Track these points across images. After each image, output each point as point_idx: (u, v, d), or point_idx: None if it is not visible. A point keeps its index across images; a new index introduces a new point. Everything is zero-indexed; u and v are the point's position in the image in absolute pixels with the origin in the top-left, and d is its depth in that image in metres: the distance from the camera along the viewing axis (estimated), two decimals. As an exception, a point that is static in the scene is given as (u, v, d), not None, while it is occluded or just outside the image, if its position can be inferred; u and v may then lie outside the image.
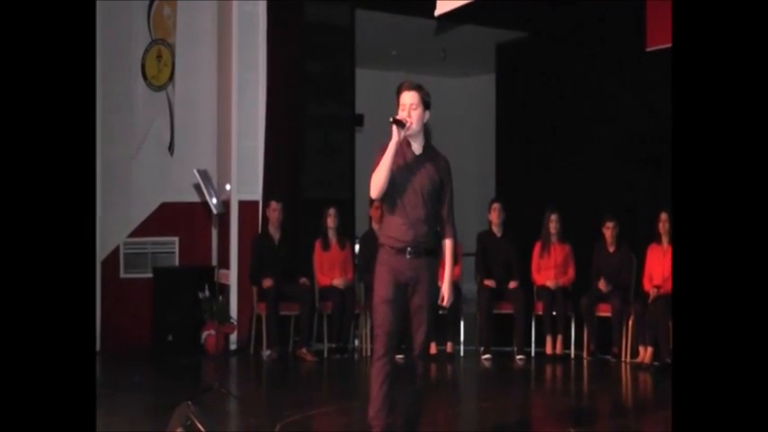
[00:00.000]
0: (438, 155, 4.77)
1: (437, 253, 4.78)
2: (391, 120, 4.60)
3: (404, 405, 4.77)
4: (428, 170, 4.66)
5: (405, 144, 4.68)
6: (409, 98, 4.65)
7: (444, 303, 4.75)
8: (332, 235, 8.79)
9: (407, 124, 4.59)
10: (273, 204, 8.71)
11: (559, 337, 8.51)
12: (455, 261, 8.56)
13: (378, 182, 4.60)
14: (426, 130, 4.76)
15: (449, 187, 4.73)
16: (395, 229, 4.66)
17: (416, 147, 4.71)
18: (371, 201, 8.59)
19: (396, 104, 4.70)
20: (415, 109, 4.63)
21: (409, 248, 4.62)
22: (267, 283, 8.47)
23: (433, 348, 8.42)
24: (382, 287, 4.67)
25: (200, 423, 4.56)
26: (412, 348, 4.79)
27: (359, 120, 10.76)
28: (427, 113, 4.69)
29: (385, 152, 4.59)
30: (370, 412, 4.63)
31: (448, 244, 4.79)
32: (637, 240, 8.64)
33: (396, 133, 4.58)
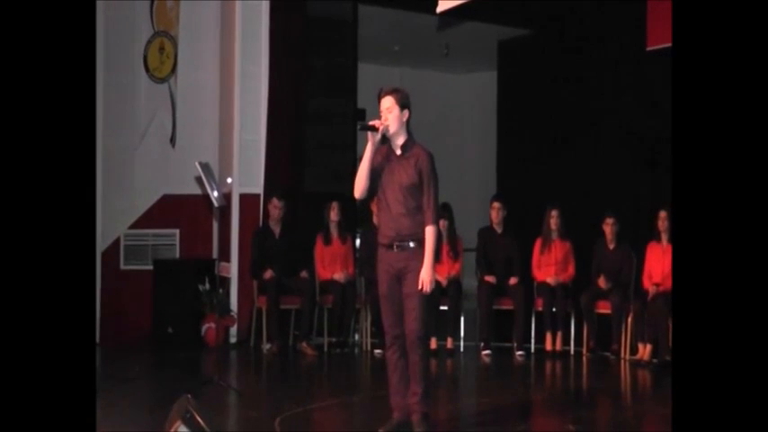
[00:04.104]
0: (419, 151, 5.06)
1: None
2: (359, 127, 5.09)
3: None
4: (406, 167, 5.02)
5: (388, 146, 5.07)
6: (385, 102, 5.04)
7: (425, 289, 4.91)
8: (333, 229, 8.79)
9: (380, 128, 4.93)
10: (275, 201, 8.67)
11: (559, 334, 8.52)
12: (456, 257, 8.74)
13: (358, 183, 5.01)
14: (408, 129, 5.07)
15: (428, 178, 5.00)
16: (383, 225, 5.12)
17: (397, 147, 5.07)
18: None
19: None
20: (390, 111, 5.01)
21: (395, 243, 5.00)
22: (268, 274, 8.48)
23: (434, 344, 8.42)
24: (379, 283, 5.13)
25: (200, 416, 4.55)
26: (405, 337, 5.03)
27: (361, 114, 10.76)
28: (406, 113, 5.04)
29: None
30: (390, 398, 5.11)
31: (428, 231, 4.98)
32: (636, 238, 8.65)
33: (370, 137, 4.93)
